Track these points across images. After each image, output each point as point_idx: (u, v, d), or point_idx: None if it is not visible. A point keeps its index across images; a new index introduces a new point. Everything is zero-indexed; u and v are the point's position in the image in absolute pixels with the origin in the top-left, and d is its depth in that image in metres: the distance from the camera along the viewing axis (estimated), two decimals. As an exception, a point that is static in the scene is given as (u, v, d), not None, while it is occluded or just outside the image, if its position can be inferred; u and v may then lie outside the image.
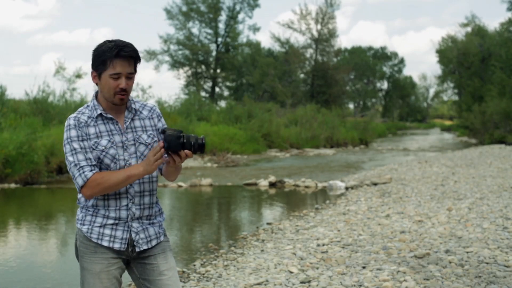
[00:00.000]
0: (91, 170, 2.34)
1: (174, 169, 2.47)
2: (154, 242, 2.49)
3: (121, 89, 2.36)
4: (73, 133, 2.37)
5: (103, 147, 2.38)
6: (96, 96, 2.46)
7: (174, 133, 2.34)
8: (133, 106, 2.49)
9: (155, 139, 2.51)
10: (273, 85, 43.02)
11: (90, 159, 2.35)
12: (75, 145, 2.36)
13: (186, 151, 2.36)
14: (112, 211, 2.41)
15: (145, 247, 2.46)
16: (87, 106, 2.46)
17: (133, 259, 2.49)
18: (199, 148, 2.37)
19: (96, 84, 2.45)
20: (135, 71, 2.44)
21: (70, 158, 2.36)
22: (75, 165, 2.34)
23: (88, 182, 2.31)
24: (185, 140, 2.34)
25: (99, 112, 2.41)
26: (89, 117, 2.41)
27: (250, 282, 4.69)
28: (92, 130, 2.39)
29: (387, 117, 72.62)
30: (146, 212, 2.48)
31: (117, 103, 2.40)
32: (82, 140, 2.37)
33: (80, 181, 2.33)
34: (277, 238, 6.71)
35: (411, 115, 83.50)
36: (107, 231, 2.41)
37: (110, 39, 2.42)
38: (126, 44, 2.38)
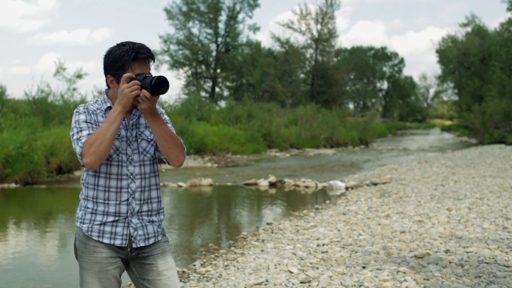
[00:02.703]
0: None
1: (161, 137, 2.40)
2: (151, 241, 2.49)
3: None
4: (82, 117, 2.39)
5: None
6: (106, 92, 2.50)
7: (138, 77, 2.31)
8: None
9: None
10: (273, 85, 43.01)
11: (91, 134, 2.35)
12: (82, 124, 2.36)
13: (144, 91, 2.29)
14: (112, 206, 2.41)
15: (142, 244, 2.46)
16: (96, 100, 2.50)
17: (132, 259, 2.49)
18: (153, 88, 2.27)
19: (108, 88, 2.47)
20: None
21: (75, 136, 2.35)
22: (76, 139, 2.34)
23: (83, 148, 2.29)
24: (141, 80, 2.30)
25: (108, 105, 2.45)
26: (98, 109, 2.45)
27: (250, 282, 4.69)
28: (101, 119, 2.42)
29: (387, 117, 72.62)
30: (145, 207, 2.48)
31: (136, 105, 2.40)
32: (91, 123, 2.38)
33: (78, 150, 2.31)
34: (277, 238, 6.70)
35: (411, 115, 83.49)
36: (108, 228, 2.42)
37: (120, 42, 2.44)
38: (141, 45, 2.40)
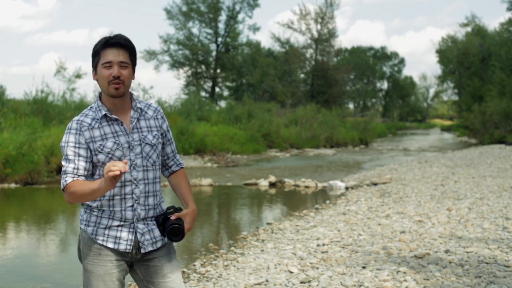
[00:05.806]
0: (72, 178, 2.33)
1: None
2: (159, 244, 2.48)
3: (114, 77, 2.33)
4: (71, 138, 2.36)
5: (109, 149, 2.36)
6: (100, 97, 2.45)
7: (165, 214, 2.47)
8: (138, 105, 2.47)
9: (160, 140, 2.50)
10: (273, 85, 43.02)
11: (77, 168, 2.34)
12: (70, 152, 2.35)
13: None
14: (118, 212, 2.40)
15: (150, 248, 2.44)
16: (91, 107, 2.44)
17: (137, 261, 2.47)
18: (168, 234, 2.40)
19: (97, 81, 2.43)
20: (132, 62, 2.40)
21: (63, 163, 2.38)
22: (64, 171, 2.36)
23: (65, 188, 2.32)
24: (161, 222, 2.46)
25: (103, 113, 2.38)
26: (93, 119, 2.39)
27: (250, 282, 4.69)
28: (97, 132, 2.37)
29: (387, 117, 72.63)
30: (151, 212, 2.47)
31: (112, 93, 2.36)
32: (79, 148, 2.35)
33: (61, 186, 2.35)
34: (277, 238, 6.70)
35: (411, 115, 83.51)
36: (113, 233, 2.40)
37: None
38: (117, 34, 2.39)
